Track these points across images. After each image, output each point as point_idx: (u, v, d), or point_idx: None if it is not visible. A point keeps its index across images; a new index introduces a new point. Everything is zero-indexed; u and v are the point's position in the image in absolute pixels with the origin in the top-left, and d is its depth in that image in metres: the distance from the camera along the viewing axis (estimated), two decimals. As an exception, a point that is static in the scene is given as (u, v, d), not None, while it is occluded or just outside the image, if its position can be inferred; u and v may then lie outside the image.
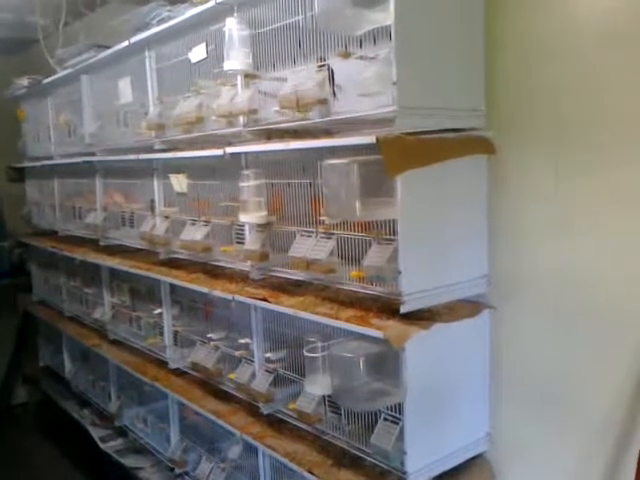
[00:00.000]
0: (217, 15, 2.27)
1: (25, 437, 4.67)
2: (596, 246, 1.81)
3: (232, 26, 2.12)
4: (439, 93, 1.83)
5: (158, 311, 3.06)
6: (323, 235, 2.01)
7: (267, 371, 2.34)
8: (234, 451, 2.56)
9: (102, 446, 3.58)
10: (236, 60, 2.13)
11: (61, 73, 3.64)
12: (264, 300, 2.15)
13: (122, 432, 3.57)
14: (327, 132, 2.08)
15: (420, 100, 1.76)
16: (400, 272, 1.76)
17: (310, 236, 2.05)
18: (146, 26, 2.63)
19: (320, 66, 1.92)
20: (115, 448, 3.53)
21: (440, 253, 1.88)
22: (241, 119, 2.26)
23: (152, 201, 2.97)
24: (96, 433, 3.72)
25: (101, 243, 3.45)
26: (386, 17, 1.67)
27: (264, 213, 2.21)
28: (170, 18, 2.48)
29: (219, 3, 2.18)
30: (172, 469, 3.00)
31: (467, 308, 1.97)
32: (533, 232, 1.96)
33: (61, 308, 4.25)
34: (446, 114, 1.86)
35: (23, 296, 4.89)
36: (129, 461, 3.37)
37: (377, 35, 1.79)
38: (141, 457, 3.34)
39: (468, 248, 1.97)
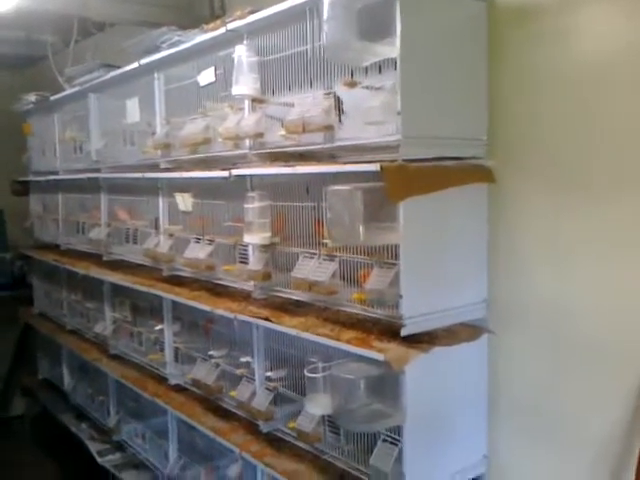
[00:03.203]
0: (227, 41, 2.33)
1: (21, 450, 4.68)
2: (593, 276, 1.86)
3: (242, 53, 2.18)
4: (442, 123, 1.89)
5: (159, 327, 3.09)
6: (326, 257, 2.05)
7: (267, 389, 2.37)
8: (232, 469, 2.58)
9: (99, 460, 3.58)
10: (244, 85, 2.19)
11: (69, 90, 3.70)
12: (266, 320, 2.19)
13: (120, 447, 3.58)
14: (331, 156, 2.13)
15: (423, 129, 1.82)
16: (401, 296, 1.80)
17: (313, 258, 2.09)
18: (156, 49, 2.69)
19: (327, 94, 1.98)
20: (113, 463, 3.54)
21: (441, 278, 1.93)
22: (247, 142, 2.32)
23: (156, 219, 3.02)
24: (94, 447, 3.72)
25: (104, 258, 3.49)
26: (392, 50, 1.73)
27: (268, 234, 2.26)
28: (181, 42, 2.55)
29: (230, 30, 2.24)
30: (170, 485, 3.02)
31: (466, 332, 2.00)
32: (531, 260, 2.00)
33: (62, 321, 4.28)
34: (448, 143, 1.91)
35: (24, 308, 4.92)
36: (127, 476, 3.39)
37: (382, 64, 1.85)
38: (139, 472, 3.36)
39: (468, 273, 2.02)
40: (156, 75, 2.85)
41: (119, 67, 3.12)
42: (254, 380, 2.44)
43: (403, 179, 1.73)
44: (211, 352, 2.71)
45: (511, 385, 2.10)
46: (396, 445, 1.87)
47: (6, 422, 5.22)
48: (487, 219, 2.05)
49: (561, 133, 1.89)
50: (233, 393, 2.52)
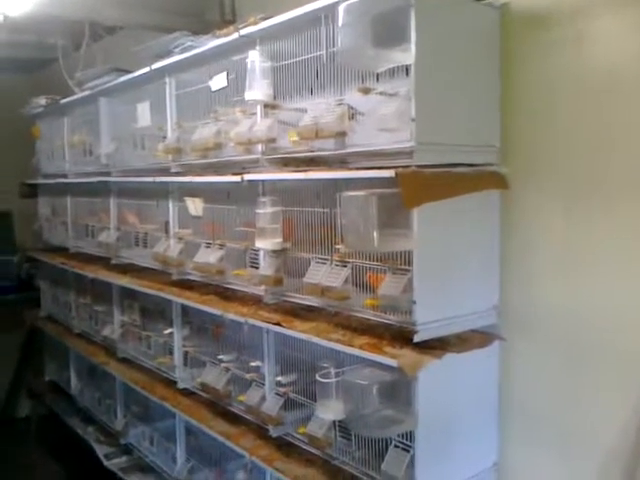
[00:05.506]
0: (239, 47, 2.34)
1: (26, 451, 4.69)
2: (607, 282, 1.86)
3: (255, 58, 2.19)
4: (455, 129, 1.89)
5: (169, 331, 3.09)
6: (338, 263, 2.06)
7: (277, 394, 2.37)
8: (241, 473, 2.58)
9: (106, 463, 3.59)
10: (258, 91, 2.20)
11: (80, 94, 3.71)
12: (278, 325, 2.19)
13: (127, 450, 3.59)
14: (343, 161, 2.13)
15: (437, 136, 1.83)
16: (415, 302, 1.80)
17: (325, 263, 2.10)
18: (168, 54, 2.70)
19: (340, 100, 1.99)
20: (120, 466, 3.54)
21: (453, 284, 1.93)
22: (259, 147, 2.32)
23: (166, 223, 3.03)
24: (100, 450, 3.73)
25: (113, 261, 3.50)
26: (407, 57, 1.73)
27: (279, 240, 2.26)
28: (193, 47, 2.56)
29: (242, 36, 2.25)
30: (178, 489, 3.02)
31: (478, 339, 2.01)
32: (544, 267, 2.00)
33: (69, 324, 4.29)
34: (461, 149, 1.92)
35: (30, 311, 4.92)
36: (133, 479, 3.39)
37: (395, 69, 1.85)
38: (146, 476, 3.36)
39: (480, 279, 2.02)
40: (167, 80, 2.86)
41: (130, 71, 3.14)
42: (264, 385, 2.44)
43: (418, 185, 1.73)
44: (220, 356, 2.71)
45: (522, 392, 2.10)
46: (408, 451, 1.87)
47: (12, 423, 5.23)
48: (499, 225, 2.06)
49: (575, 140, 1.89)
50: (242, 397, 2.52)
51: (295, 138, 2.08)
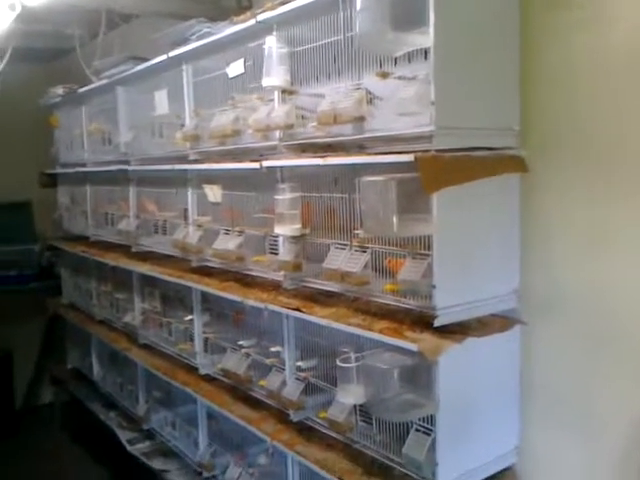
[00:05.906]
0: (256, 33, 2.34)
1: (51, 437, 4.78)
2: (630, 266, 1.84)
3: (272, 44, 2.19)
4: (475, 113, 1.88)
5: (189, 317, 3.12)
6: (357, 248, 2.06)
7: (298, 379, 2.39)
8: (263, 457, 2.61)
9: (129, 448, 3.64)
10: (275, 77, 2.19)
11: (97, 83, 3.73)
12: (298, 310, 2.21)
13: (149, 435, 3.64)
14: (361, 146, 2.13)
15: (457, 120, 1.81)
16: (434, 286, 1.80)
17: (344, 249, 2.10)
18: (185, 41, 2.70)
19: (358, 85, 1.98)
20: (142, 451, 3.59)
21: (473, 268, 1.92)
22: (277, 133, 2.32)
23: (185, 210, 3.04)
24: (123, 435, 3.78)
25: (133, 249, 3.53)
26: (426, 40, 1.72)
27: (298, 225, 2.27)
28: (210, 34, 2.56)
29: (259, 22, 2.25)
30: (200, 473, 3.05)
31: (498, 323, 2.00)
32: (564, 251, 1.99)
33: (91, 312, 4.33)
34: (481, 133, 1.90)
35: (52, 299, 4.99)
36: (156, 464, 3.43)
37: (412, 53, 1.84)
38: (168, 460, 3.40)
39: (500, 264, 2.01)
40: (184, 67, 2.87)
41: (147, 59, 3.14)
42: (284, 370, 2.46)
43: (437, 169, 1.73)
44: (241, 342, 2.73)
45: (543, 376, 2.09)
46: (429, 435, 1.87)
47: (35, 410, 5.32)
48: (519, 209, 2.05)
49: (596, 122, 1.87)
50: (263, 382, 2.54)
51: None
